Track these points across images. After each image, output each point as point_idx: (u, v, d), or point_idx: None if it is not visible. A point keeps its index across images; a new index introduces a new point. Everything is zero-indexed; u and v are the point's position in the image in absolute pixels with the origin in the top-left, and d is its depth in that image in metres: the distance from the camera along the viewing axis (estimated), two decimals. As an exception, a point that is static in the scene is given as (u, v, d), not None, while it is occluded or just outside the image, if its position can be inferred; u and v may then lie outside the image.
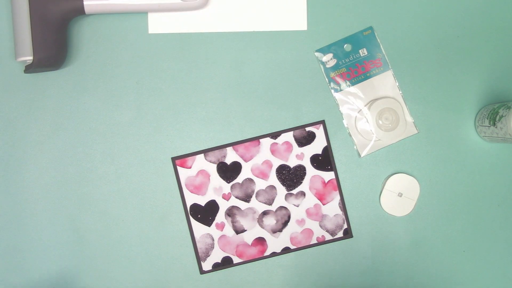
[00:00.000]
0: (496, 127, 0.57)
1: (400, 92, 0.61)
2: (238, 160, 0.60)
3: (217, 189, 0.60)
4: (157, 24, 0.60)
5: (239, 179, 0.60)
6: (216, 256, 0.60)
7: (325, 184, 0.60)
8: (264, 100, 0.60)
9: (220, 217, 0.60)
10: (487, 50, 0.62)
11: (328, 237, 0.60)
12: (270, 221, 0.60)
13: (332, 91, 0.61)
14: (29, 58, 0.55)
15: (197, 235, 0.59)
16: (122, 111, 0.59)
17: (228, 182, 0.60)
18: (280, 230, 0.60)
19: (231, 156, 0.60)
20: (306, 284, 0.60)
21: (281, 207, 0.60)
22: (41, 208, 0.59)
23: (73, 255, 0.59)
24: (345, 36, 0.61)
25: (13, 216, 0.59)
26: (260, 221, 0.60)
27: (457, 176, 0.61)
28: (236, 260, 0.60)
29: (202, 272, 0.60)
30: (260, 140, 0.60)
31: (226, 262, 0.60)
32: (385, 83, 0.61)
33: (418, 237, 0.60)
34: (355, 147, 0.61)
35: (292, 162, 0.60)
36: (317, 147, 0.60)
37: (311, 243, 0.60)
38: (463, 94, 0.61)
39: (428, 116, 0.61)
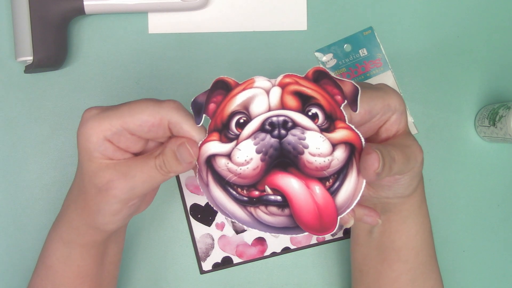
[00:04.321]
0: (496, 127, 0.57)
1: (400, 92, 0.61)
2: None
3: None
4: (157, 24, 0.60)
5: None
6: (216, 256, 0.60)
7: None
8: (264, 100, 0.60)
9: (220, 217, 0.60)
10: (487, 50, 0.62)
11: (328, 237, 0.60)
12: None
13: (332, 91, 0.60)
14: (29, 58, 0.55)
15: (197, 235, 0.59)
16: (122, 111, 0.59)
17: (228, 182, 0.60)
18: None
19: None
20: (306, 284, 0.60)
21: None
22: (41, 208, 0.59)
23: (73, 255, 0.59)
24: (345, 36, 0.61)
25: (13, 216, 0.59)
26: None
27: (457, 176, 0.61)
28: (236, 260, 0.60)
29: (202, 272, 0.60)
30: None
31: (226, 262, 0.60)
32: (385, 83, 0.61)
33: (418, 237, 0.60)
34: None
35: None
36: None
37: (311, 243, 0.60)
38: (463, 94, 0.61)
39: (428, 116, 0.61)
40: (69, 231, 0.43)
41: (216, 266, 0.60)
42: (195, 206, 0.60)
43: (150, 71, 0.60)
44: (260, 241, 0.60)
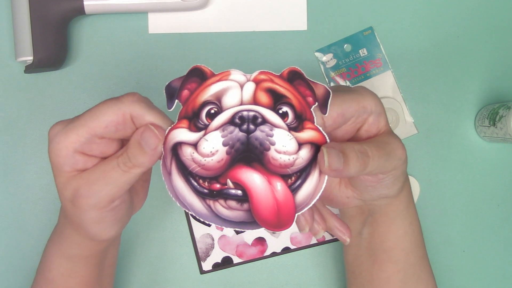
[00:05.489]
0: (496, 127, 0.57)
1: (400, 92, 0.61)
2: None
3: (217, 189, 0.60)
4: (157, 24, 0.60)
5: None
6: (216, 256, 0.60)
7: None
8: (264, 100, 0.60)
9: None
10: (487, 50, 0.62)
11: (328, 237, 0.60)
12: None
13: (332, 91, 0.60)
14: (29, 58, 0.55)
15: (197, 235, 0.59)
16: (122, 111, 0.59)
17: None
18: (280, 230, 0.60)
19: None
20: (306, 284, 0.60)
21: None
22: (41, 208, 0.59)
23: (73, 255, 0.59)
24: (345, 36, 0.61)
25: (13, 216, 0.58)
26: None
27: (457, 176, 0.61)
28: (236, 260, 0.60)
29: (202, 272, 0.60)
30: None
31: (226, 262, 0.60)
32: (385, 83, 0.61)
33: (418, 237, 0.60)
34: (355, 147, 0.61)
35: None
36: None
37: (311, 243, 0.60)
38: (463, 94, 0.61)
39: (428, 116, 0.61)
40: (71, 247, 0.43)
41: (216, 266, 0.60)
42: (195, 206, 0.60)
43: (150, 71, 0.60)
44: (260, 241, 0.60)
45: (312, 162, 0.37)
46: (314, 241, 0.60)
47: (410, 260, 0.47)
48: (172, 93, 0.38)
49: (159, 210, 0.60)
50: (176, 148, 0.37)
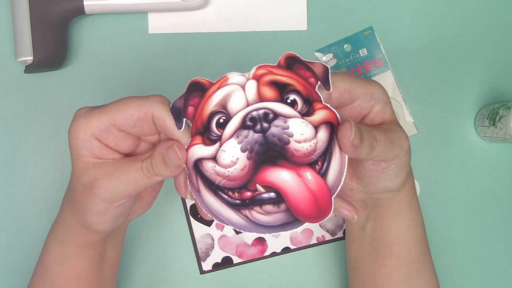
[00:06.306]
0: (496, 127, 0.57)
1: (400, 92, 0.61)
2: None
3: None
4: (157, 24, 0.60)
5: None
6: (216, 256, 0.60)
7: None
8: (264, 100, 0.60)
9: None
10: (487, 50, 0.62)
11: (328, 237, 0.60)
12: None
13: (332, 91, 0.60)
14: (29, 58, 0.55)
15: (197, 235, 0.59)
16: (122, 111, 0.59)
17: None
18: (280, 230, 0.60)
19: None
20: (306, 284, 0.60)
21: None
22: (41, 208, 0.59)
23: (73, 255, 0.59)
24: (345, 36, 0.61)
25: (13, 216, 0.58)
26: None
27: (457, 176, 0.61)
28: (236, 260, 0.60)
29: (202, 272, 0.60)
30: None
31: (226, 262, 0.60)
32: (385, 83, 0.61)
33: (418, 237, 0.60)
34: (355, 147, 0.61)
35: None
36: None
37: (311, 243, 0.60)
38: (463, 94, 0.61)
39: (428, 116, 0.61)
40: (63, 231, 0.43)
41: (216, 266, 0.60)
42: (195, 206, 0.60)
43: (150, 71, 0.60)
44: (260, 241, 0.60)
45: (331, 140, 0.36)
46: (314, 241, 0.60)
47: (413, 256, 0.47)
48: (177, 113, 0.37)
49: (160, 210, 0.60)
50: (198, 165, 0.36)
